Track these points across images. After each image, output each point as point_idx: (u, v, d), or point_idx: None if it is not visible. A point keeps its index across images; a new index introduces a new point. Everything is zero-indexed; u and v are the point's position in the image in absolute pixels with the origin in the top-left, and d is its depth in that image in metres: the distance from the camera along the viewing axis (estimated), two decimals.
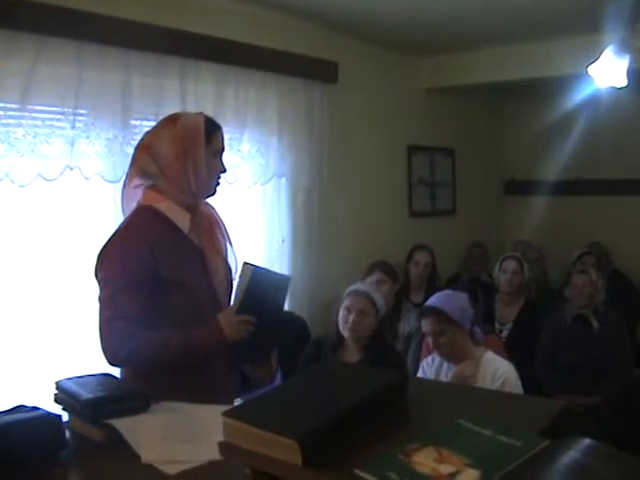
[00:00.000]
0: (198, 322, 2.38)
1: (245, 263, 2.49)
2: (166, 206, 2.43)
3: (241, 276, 2.45)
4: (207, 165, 2.44)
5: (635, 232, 6.80)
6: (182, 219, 2.44)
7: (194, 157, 2.42)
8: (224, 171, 2.53)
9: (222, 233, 2.61)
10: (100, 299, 2.34)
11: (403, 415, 1.46)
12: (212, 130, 2.48)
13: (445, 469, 1.16)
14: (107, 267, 2.34)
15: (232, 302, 2.46)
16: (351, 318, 3.80)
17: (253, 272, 2.40)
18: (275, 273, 2.60)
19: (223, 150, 2.54)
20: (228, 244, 2.65)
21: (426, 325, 3.65)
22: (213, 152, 2.47)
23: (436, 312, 3.59)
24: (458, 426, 1.31)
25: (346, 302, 3.87)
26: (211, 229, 2.54)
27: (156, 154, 2.44)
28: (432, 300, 3.72)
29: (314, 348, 4.03)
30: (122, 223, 2.46)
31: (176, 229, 2.43)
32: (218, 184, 2.55)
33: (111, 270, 2.33)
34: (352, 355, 3.86)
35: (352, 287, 3.97)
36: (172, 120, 2.50)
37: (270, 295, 2.49)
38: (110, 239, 2.40)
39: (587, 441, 1.21)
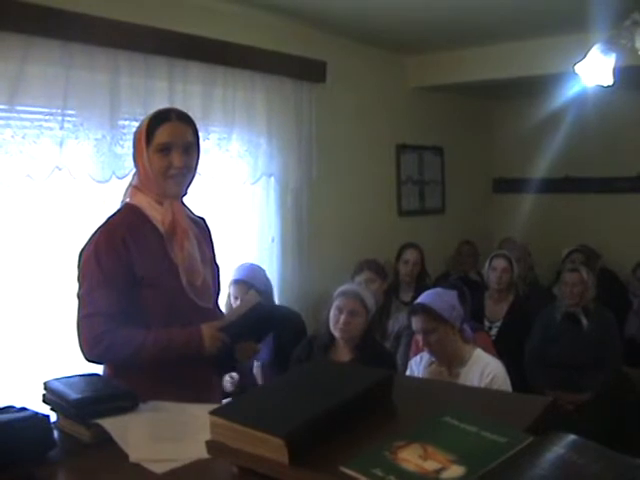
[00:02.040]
0: (174, 322, 2.40)
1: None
2: (145, 204, 2.46)
3: (244, 303, 2.46)
4: (150, 163, 2.41)
5: (623, 230, 6.83)
6: (158, 217, 2.44)
7: (141, 156, 2.43)
8: (176, 167, 2.41)
9: (202, 234, 2.60)
10: (78, 296, 2.37)
11: (389, 413, 1.46)
12: (155, 125, 2.42)
13: (430, 466, 1.17)
14: (84, 265, 2.37)
15: (226, 317, 2.46)
16: (342, 318, 3.81)
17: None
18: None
19: (172, 144, 2.41)
20: (210, 246, 2.65)
21: (416, 323, 3.65)
22: (155, 148, 2.41)
23: (426, 310, 3.60)
24: (444, 423, 1.32)
25: (337, 302, 3.87)
26: (179, 228, 2.50)
27: (132, 157, 2.51)
28: (422, 298, 3.73)
29: (305, 348, 4.04)
30: (103, 222, 2.47)
31: (154, 228, 2.44)
32: (184, 182, 2.48)
33: (88, 267, 2.35)
34: (343, 355, 3.86)
35: (342, 287, 3.98)
36: (140, 123, 2.53)
37: (254, 327, 2.50)
38: (90, 237, 2.42)
39: (571, 437, 1.22)
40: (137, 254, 2.37)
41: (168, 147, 2.41)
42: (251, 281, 4.23)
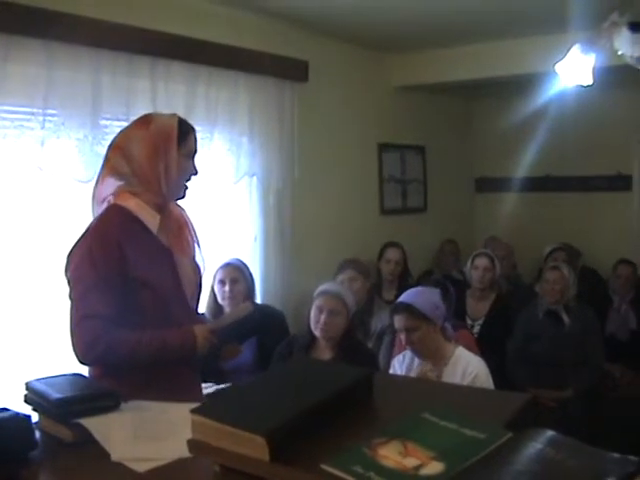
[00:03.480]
0: (168, 323, 2.41)
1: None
2: (136, 206, 2.43)
3: (238, 310, 2.48)
4: (178, 167, 2.44)
5: (603, 228, 6.88)
6: (151, 219, 2.44)
7: (166, 158, 2.42)
8: (195, 173, 2.54)
9: (191, 234, 2.62)
10: (71, 298, 2.35)
11: (370, 410, 1.48)
12: (185, 131, 2.49)
13: (410, 462, 1.18)
14: (77, 266, 2.35)
15: (219, 321, 2.47)
16: (322, 318, 3.82)
17: (249, 313, 2.43)
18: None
19: (196, 152, 2.54)
20: (196, 245, 2.66)
21: (398, 321, 3.67)
22: (185, 154, 2.47)
23: (408, 309, 3.62)
24: (423, 420, 1.34)
25: (317, 302, 3.88)
26: (180, 230, 2.54)
27: (128, 154, 2.45)
28: (404, 297, 3.74)
29: (286, 347, 4.05)
30: (92, 222, 2.45)
31: (145, 229, 2.43)
32: (187, 187, 2.55)
33: (81, 269, 2.33)
34: (324, 354, 3.87)
35: (322, 287, 3.99)
36: (145, 121, 2.50)
37: (242, 333, 2.53)
38: (80, 239, 2.40)
39: (549, 433, 1.23)
40: (131, 255, 2.35)
41: (194, 155, 2.53)
42: (240, 266, 4.29)
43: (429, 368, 3.60)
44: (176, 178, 2.45)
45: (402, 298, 3.74)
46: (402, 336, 3.69)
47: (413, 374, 3.66)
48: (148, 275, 2.39)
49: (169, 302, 2.43)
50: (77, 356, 2.33)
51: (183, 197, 2.57)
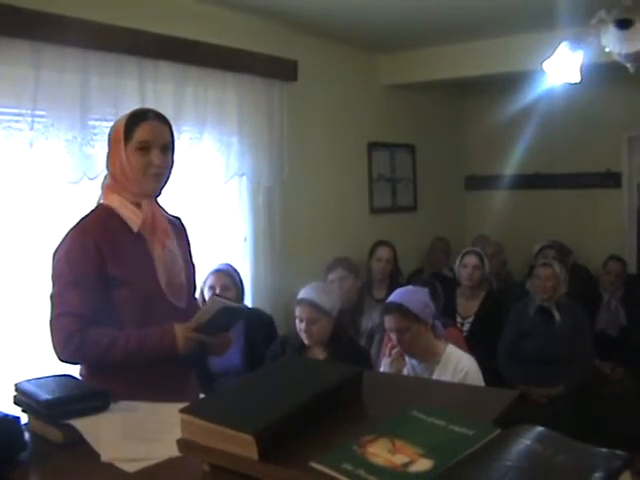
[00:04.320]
0: (148, 321, 2.41)
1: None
2: (118, 204, 2.47)
3: (210, 305, 2.47)
4: (129, 162, 2.43)
5: (593, 225, 6.91)
6: (132, 217, 2.45)
7: (118, 155, 2.44)
8: (155, 165, 2.44)
9: (178, 233, 2.62)
10: (50, 296, 2.39)
11: (359, 408, 1.48)
12: (134, 123, 2.44)
13: (399, 459, 1.18)
14: (56, 265, 2.39)
15: (194, 319, 2.46)
16: (303, 326, 3.83)
17: (221, 307, 2.42)
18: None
19: (151, 142, 2.43)
20: (185, 244, 2.66)
21: (389, 322, 3.66)
22: (135, 146, 2.43)
23: (399, 309, 3.61)
24: (412, 417, 1.34)
25: (297, 311, 3.89)
26: (159, 228, 2.52)
27: (107, 156, 2.51)
28: (394, 296, 3.73)
29: (279, 347, 4.05)
30: (75, 223, 2.47)
31: (127, 227, 2.45)
32: (162, 181, 2.50)
33: (59, 268, 2.38)
34: (317, 354, 3.87)
35: (301, 293, 3.95)
36: (115, 121, 2.55)
37: (225, 323, 2.51)
38: (63, 239, 2.43)
39: (538, 429, 1.23)
40: (109, 254, 2.37)
41: (148, 145, 2.43)
42: (231, 273, 4.30)
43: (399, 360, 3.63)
44: (131, 174, 2.43)
45: (392, 298, 3.73)
46: (393, 336, 3.69)
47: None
48: (127, 274, 2.40)
49: (149, 300, 2.44)
50: (55, 354, 2.37)
51: (159, 194, 2.53)
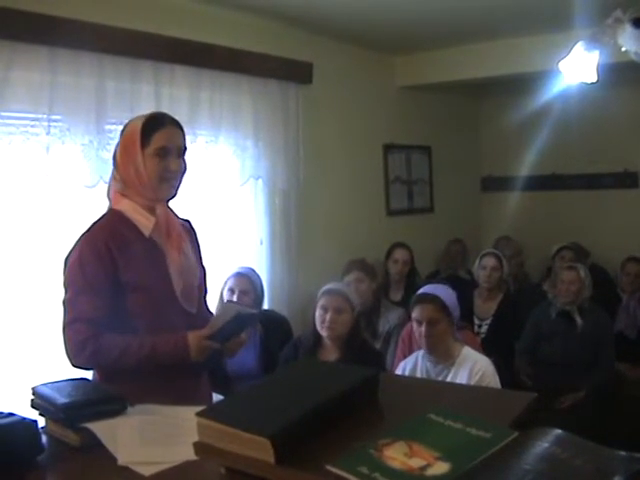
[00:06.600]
0: (160, 327, 2.40)
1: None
2: (129, 209, 2.46)
3: (223, 312, 2.47)
4: (146, 168, 2.41)
5: (611, 225, 6.85)
6: (144, 222, 2.45)
7: (133, 160, 2.43)
8: (172, 171, 2.45)
9: (189, 237, 2.61)
10: (63, 302, 2.39)
11: (375, 411, 1.47)
12: (151, 129, 2.43)
13: (416, 463, 1.18)
14: (69, 271, 2.39)
15: (207, 327, 2.45)
16: (328, 317, 3.82)
17: (234, 314, 2.41)
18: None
19: (169, 148, 2.44)
20: (195, 247, 2.66)
21: (423, 311, 3.64)
22: (152, 153, 2.42)
23: (435, 300, 3.63)
24: (428, 420, 1.33)
25: (321, 301, 3.89)
26: (174, 232, 2.52)
27: (116, 160, 2.51)
28: (428, 289, 3.76)
29: (292, 349, 4.05)
30: (87, 228, 2.48)
31: (139, 232, 2.44)
32: (176, 186, 2.51)
33: (72, 274, 2.38)
34: (330, 354, 3.87)
35: (326, 287, 3.99)
36: (125, 125, 2.54)
37: (239, 328, 2.51)
38: (75, 244, 2.43)
39: (555, 432, 1.23)
40: (121, 259, 2.37)
41: (165, 152, 2.43)
42: (252, 277, 4.30)
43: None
44: (146, 179, 2.43)
45: (427, 290, 3.76)
46: (421, 329, 3.65)
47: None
48: (139, 279, 2.40)
49: (161, 305, 2.44)
50: (68, 359, 2.38)
51: (173, 196, 2.53)
